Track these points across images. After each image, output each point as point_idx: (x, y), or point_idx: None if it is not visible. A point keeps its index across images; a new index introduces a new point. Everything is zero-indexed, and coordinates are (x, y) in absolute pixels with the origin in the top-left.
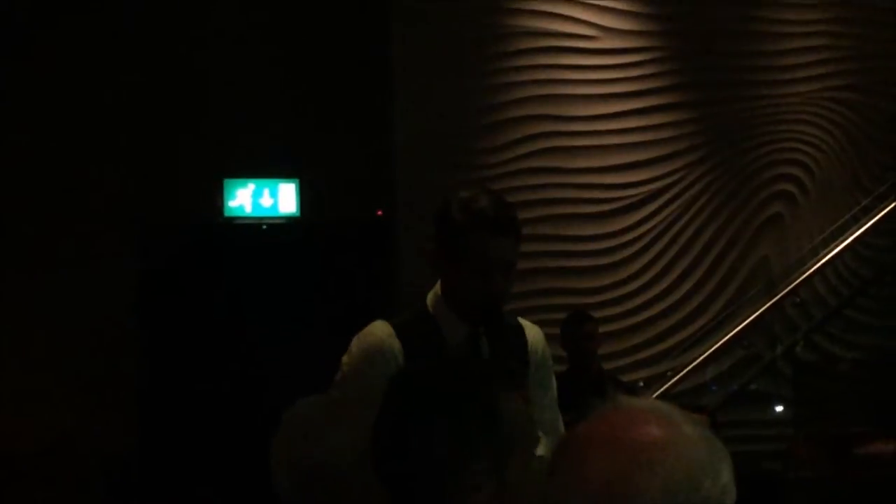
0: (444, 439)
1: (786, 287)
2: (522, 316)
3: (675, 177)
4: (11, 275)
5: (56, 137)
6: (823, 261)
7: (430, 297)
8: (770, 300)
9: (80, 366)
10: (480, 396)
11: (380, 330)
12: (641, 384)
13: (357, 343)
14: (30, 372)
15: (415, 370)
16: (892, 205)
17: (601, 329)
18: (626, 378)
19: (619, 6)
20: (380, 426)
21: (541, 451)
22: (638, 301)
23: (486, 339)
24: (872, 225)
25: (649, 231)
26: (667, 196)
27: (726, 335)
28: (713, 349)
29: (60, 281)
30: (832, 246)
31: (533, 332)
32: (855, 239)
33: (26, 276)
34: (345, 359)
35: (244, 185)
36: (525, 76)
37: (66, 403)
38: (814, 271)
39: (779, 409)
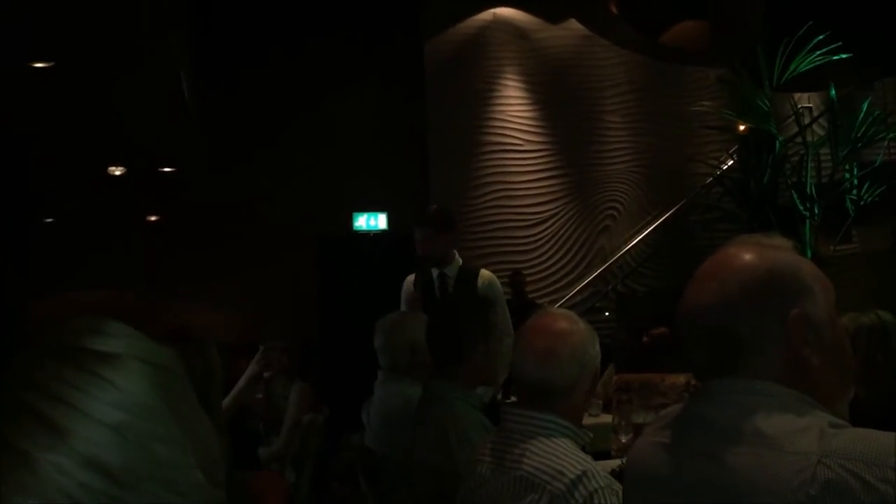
0: (464, 326)
1: (612, 258)
2: (488, 269)
3: (558, 207)
4: (247, 260)
5: (278, 188)
6: (628, 247)
7: None
8: (604, 265)
9: (285, 302)
10: (481, 309)
11: (408, 277)
12: (546, 304)
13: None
14: (256, 305)
15: (453, 297)
16: (658, 222)
17: (527, 278)
18: (539, 301)
19: (533, 129)
20: (432, 318)
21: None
22: (544, 266)
23: (448, 277)
24: (651, 230)
25: (547, 234)
26: (555, 217)
27: (585, 281)
28: (579, 288)
29: (278, 259)
30: (633, 240)
31: (484, 277)
32: (643, 237)
33: (255, 262)
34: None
35: (362, 215)
36: (491, 162)
37: (275, 320)
38: (624, 252)
39: (607, 314)
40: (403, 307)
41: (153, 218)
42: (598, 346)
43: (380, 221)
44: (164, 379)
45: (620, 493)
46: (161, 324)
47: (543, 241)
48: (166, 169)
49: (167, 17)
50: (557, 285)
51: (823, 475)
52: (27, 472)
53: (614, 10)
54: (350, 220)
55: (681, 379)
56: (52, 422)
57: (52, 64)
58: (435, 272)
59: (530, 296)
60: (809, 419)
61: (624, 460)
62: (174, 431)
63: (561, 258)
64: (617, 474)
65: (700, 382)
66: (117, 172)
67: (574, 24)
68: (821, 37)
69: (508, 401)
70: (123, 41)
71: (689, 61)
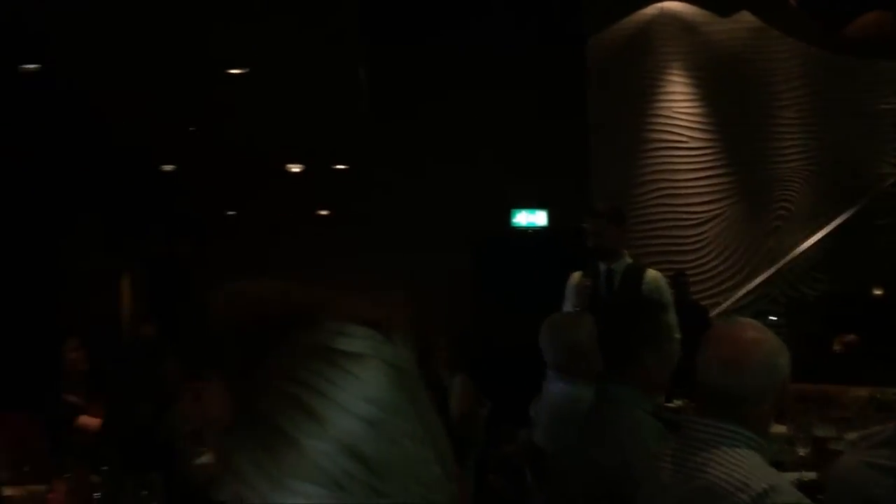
0: (631, 329)
1: (782, 260)
2: (653, 268)
3: (725, 207)
4: (407, 256)
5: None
6: (800, 249)
7: None
8: (772, 267)
9: (442, 297)
10: (651, 312)
11: (573, 274)
12: (710, 307)
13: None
14: (414, 300)
15: (620, 298)
16: (834, 223)
17: (690, 279)
18: (703, 304)
19: (699, 125)
20: (600, 319)
21: None
22: (709, 266)
23: (615, 273)
24: (827, 232)
25: (712, 233)
26: (720, 216)
27: (752, 284)
28: (745, 291)
29: (437, 256)
30: (805, 242)
31: (650, 276)
32: (818, 239)
33: (414, 258)
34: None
35: (521, 212)
36: (655, 160)
37: (433, 315)
38: (797, 254)
39: (775, 318)
40: (568, 302)
41: (323, 213)
42: (787, 358)
43: (539, 218)
44: (403, 379)
45: None
46: (344, 316)
47: (708, 241)
48: (340, 166)
49: (347, 19)
50: (721, 287)
51: None
52: (298, 456)
53: (794, 1)
54: (510, 217)
55: (863, 392)
56: (314, 411)
57: (246, 70)
58: (603, 267)
59: (693, 297)
60: None
61: (802, 473)
62: (418, 428)
63: (726, 259)
64: (796, 487)
65: None
66: (295, 169)
67: (745, 17)
68: None
69: (670, 404)
70: (311, 46)
71: (875, 54)
